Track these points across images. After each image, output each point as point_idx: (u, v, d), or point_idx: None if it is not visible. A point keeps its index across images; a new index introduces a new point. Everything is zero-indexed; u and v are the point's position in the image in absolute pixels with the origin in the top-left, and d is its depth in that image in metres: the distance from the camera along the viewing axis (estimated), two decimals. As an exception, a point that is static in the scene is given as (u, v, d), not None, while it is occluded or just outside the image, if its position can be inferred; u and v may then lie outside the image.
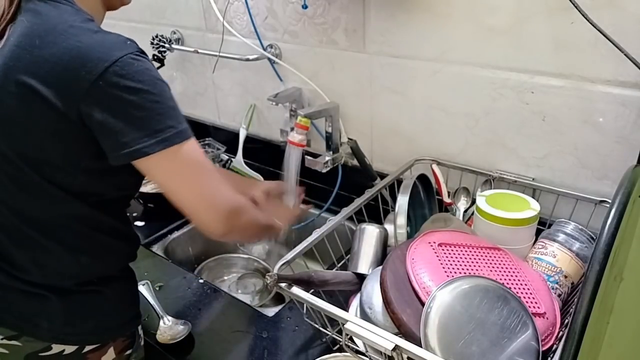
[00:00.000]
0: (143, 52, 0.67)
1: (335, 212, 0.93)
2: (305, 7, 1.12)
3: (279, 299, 1.16)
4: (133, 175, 0.70)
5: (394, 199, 0.94)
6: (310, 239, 0.86)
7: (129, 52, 0.64)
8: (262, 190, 1.02)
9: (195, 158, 0.70)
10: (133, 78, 0.63)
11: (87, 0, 0.72)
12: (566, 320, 0.73)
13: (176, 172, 0.69)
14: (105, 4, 0.76)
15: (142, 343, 0.88)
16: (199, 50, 1.40)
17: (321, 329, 0.82)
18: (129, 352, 0.83)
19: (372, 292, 0.77)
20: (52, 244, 0.73)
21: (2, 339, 0.75)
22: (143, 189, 1.26)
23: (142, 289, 1.00)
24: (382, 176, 1.10)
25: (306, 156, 1.16)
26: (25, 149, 0.67)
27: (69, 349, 0.76)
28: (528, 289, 0.74)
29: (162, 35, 1.46)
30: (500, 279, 0.74)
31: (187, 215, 0.72)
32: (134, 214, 1.33)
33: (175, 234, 1.26)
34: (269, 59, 1.28)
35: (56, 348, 0.75)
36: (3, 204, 0.72)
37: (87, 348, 0.77)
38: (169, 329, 0.91)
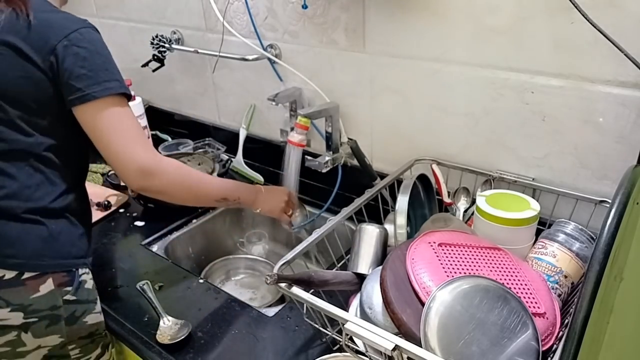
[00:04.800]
0: (95, 28, 0.88)
1: (335, 212, 0.93)
2: (305, 7, 1.12)
3: (278, 299, 1.16)
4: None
5: (394, 199, 0.94)
6: (310, 239, 0.86)
7: (85, 25, 0.87)
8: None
9: (128, 113, 0.88)
10: (87, 42, 0.85)
11: None
12: (566, 320, 0.73)
13: (109, 120, 0.85)
14: None
15: (90, 287, 0.92)
16: (199, 50, 1.40)
17: (321, 329, 0.82)
18: (68, 288, 0.87)
19: (372, 292, 0.77)
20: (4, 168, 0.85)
21: None
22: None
23: (142, 289, 1.00)
24: (382, 176, 1.10)
25: (306, 156, 1.16)
26: (4, 89, 0.85)
27: (9, 274, 0.83)
28: (528, 289, 0.74)
29: (162, 35, 1.46)
30: (500, 279, 0.74)
31: (109, 164, 0.88)
32: (134, 214, 1.33)
33: (175, 234, 1.26)
34: (269, 59, 1.28)
35: None
36: None
37: (26, 275, 0.84)
38: (169, 329, 0.91)
